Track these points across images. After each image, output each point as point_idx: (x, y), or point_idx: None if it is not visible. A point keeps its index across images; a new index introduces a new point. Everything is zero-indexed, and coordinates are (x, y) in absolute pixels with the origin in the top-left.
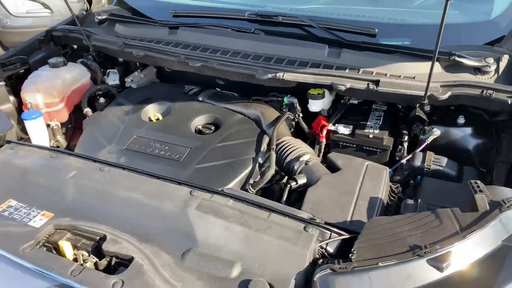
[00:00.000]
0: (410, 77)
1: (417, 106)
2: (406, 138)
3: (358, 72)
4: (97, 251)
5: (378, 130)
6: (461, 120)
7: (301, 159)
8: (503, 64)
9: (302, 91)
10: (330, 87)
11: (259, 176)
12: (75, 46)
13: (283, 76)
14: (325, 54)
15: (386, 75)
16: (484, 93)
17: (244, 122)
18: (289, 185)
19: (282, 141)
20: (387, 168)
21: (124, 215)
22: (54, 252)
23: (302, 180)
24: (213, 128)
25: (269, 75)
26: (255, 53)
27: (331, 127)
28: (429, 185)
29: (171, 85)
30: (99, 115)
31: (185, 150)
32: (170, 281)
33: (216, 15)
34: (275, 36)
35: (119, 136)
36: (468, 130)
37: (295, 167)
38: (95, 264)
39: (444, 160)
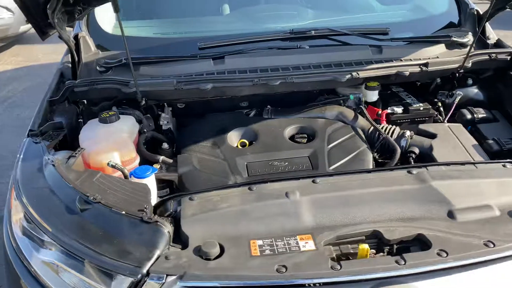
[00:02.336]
0: (434, 57)
1: (456, 75)
2: (440, 104)
3: (401, 60)
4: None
5: (420, 104)
6: (470, 81)
7: (406, 135)
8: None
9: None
10: (394, 76)
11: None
12: (85, 101)
13: (359, 74)
14: (370, 53)
15: (420, 59)
16: (491, 56)
17: (333, 123)
18: (411, 157)
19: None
20: (460, 124)
21: (375, 208)
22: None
23: (417, 151)
24: (305, 136)
25: (347, 76)
26: (312, 64)
27: (388, 110)
28: (486, 128)
29: (227, 114)
30: (185, 157)
31: (305, 160)
32: (474, 235)
33: (246, 40)
34: (317, 47)
35: (229, 169)
36: (475, 87)
37: (402, 144)
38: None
39: (481, 110)
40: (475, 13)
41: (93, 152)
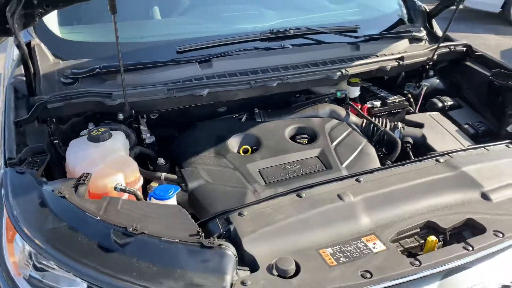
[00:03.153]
0: (403, 52)
1: (426, 67)
2: (410, 95)
3: (377, 56)
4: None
5: (394, 96)
6: (431, 72)
7: (399, 127)
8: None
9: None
10: (375, 71)
11: None
12: (54, 119)
13: (348, 71)
14: (349, 50)
15: (392, 54)
16: (451, 49)
17: (328, 121)
18: (408, 148)
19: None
20: (439, 112)
21: (421, 200)
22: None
23: (411, 141)
24: (306, 136)
25: (338, 74)
26: (298, 63)
27: (368, 104)
28: (455, 114)
29: (218, 120)
30: (192, 171)
31: (316, 160)
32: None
33: (228, 42)
34: (300, 47)
35: (243, 178)
36: (436, 78)
37: (396, 135)
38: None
39: (448, 98)
40: (423, 10)
41: (94, 176)
